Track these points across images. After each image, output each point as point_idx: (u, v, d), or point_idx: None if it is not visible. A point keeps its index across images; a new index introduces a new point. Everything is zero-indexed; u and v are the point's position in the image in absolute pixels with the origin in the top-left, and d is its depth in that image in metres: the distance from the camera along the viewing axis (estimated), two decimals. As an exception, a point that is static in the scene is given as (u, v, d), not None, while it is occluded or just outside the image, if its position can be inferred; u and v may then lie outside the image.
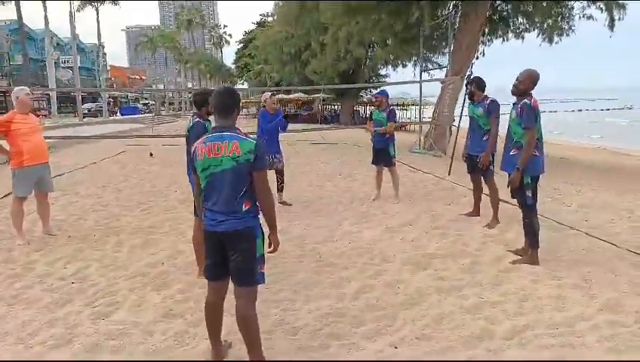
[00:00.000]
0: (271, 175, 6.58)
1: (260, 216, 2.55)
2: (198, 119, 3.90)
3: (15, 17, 38.18)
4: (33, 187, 4.85)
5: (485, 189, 5.64)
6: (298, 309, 3.36)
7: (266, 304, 3.43)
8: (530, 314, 3.16)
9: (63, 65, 51.00)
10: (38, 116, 5.92)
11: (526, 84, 4.07)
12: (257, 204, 2.51)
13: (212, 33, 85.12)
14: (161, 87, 70.08)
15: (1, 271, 4.08)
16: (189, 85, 71.36)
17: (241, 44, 63.59)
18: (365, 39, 21.15)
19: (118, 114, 45.30)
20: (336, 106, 37.10)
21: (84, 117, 33.05)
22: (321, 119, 32.13)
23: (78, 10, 32.73)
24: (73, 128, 25.17)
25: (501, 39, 15.23)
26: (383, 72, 29.58)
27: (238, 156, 2.41)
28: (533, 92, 4.10)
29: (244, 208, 2.46)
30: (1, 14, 29.15)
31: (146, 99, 67.46)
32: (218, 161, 2.43)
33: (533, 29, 14.22)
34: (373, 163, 6.93)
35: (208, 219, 2.50)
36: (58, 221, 5.64)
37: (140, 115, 41.22)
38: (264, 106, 6.67)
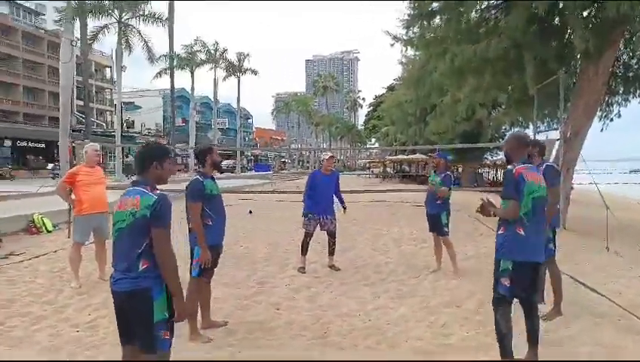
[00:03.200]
0: (322, 236, 6.49)
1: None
2: (196, 176, 4.02)
3: (182, 86, 45.64)
4: (90, 234, 5.43)
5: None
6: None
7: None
8: None
9: (217, 126, 58.60)
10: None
11: (509, 149, 3.39)
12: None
13: (346, 98, 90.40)
14: (295, 147, 75.59)
15: (34, 311, 4.51)
16: (322, 145, 75.77)
17: (371, 107, 66.17)
18: (485, 100, 20.20)
19: (253, 171, 49.84)
20: (459, 168, 35.55)
21: (222, 172, 37.05)
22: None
23: (223, 80, 37.94)
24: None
25: (639, 99, 13.11)
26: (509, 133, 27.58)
27: (136, 211, 2.37)
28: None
29: (142, 267, 2.37)
30: (162, 84, 35.82)
31: (282, 157, 73.28)
32: (123, 215, 2.42)
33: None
34: (430, 230, 6.34)
35: (112, 277, 2.49)
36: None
37: (271, 172, 44.73)
38: (320, 167, 6.61)
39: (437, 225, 6.07)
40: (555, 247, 4.54)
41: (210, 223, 3.95)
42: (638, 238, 9.17)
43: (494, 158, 33.40)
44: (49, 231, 8.97)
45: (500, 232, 3.33)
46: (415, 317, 4.51)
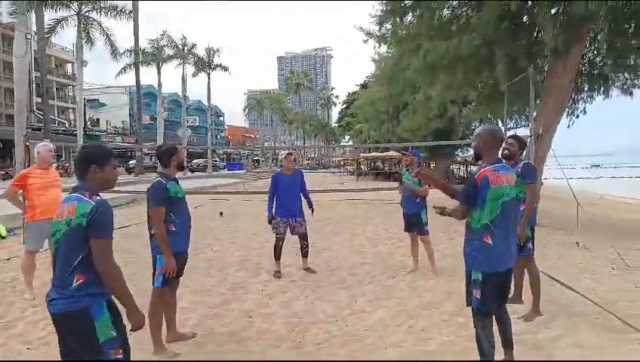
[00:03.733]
0: (295, 238, 6.23)
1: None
2: (159, 178, 3.72)
3: (150, 83, 44.42)
4: (44, 241, 5.01)
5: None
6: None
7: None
8: None
9: (187, 124, 57.25)
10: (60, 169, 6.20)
11: (481, 145, 3.01)
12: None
13: (320, 95, 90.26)
14: (268, 145, 74.72)
15: (-19, 326, 4.13)
16: (295, 143, 75.43)
17: (345, 105, 66.21)
18: (457, 97, 20.39)
19: (226, 169, 48.93)
20: (431, 165, 35.92)
21: (193, 171, 36.38)
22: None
23: (193, 76, 37.15)
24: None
25: (603, 96, 13.43)
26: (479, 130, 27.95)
27: (71, 219, 2.13)
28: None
29: (75, 283, 2.12)
30: (129, 80, 34.51)
31: (256, 155, 72.40)
32: (60, 225, 2.18)
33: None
34: (405, 230, 6.20)
35: (48, 295, 2.24)
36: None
37: (244, 171, 43.98)
38: (281, 167, 6.26)
39: (417, 224, 5.92)
40: (533, 246, 4.47)
41: (174, 229, 3.65)
42: (605, 233, 9.35)
43: (465, 155, 33.93)
44: (3, 237, 8.40)
45: (466, 238, 3.09)
46: (394, 321, 4.36)
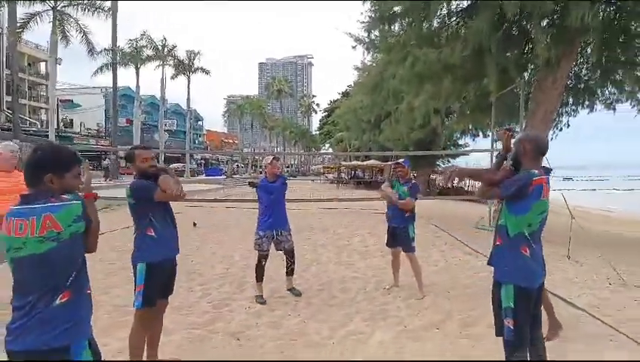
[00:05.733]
0: (279, 257, 5.71)
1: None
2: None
3: (127, 84, 43.36)
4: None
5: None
6: None
7: None
8: None
9: (164, 127, 56.06)
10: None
11: (520, 155, 2.83)
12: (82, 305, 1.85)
13: (300, 103, 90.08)
14: (247, 150, 73.87)
15: None
16: (275, 149, 74.92)
17: (326, 113, 66.16)
18: (442, 107, 20.34)
19: (204, 175, 48.09)
20: (413, 175, 35.94)
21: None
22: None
23: (172, 78, 36.38)
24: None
25: (587, 110, 13.53)
26: (461, 141, 28.24)
27: (59, 233, 1.75)
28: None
29: (59, 300, 1.77)
30: (105, 81, 33.25)
31: (235, 161, 71.51)
32: (22, 242, 1.77)
33: (626, 100, 12.43)
34: (388, 245, 5.70)
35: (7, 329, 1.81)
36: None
37: (223, 177, 43.32)
38: (265, 174, 5.47)
39: (403, 239, 5.45)
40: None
41: (153, 234, 3.19)
42: (590, 245, 9.22)
43: (446, 165, 34.02)
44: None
45: (498, 244, 2.83)
46: (395, 343, 4.00)
